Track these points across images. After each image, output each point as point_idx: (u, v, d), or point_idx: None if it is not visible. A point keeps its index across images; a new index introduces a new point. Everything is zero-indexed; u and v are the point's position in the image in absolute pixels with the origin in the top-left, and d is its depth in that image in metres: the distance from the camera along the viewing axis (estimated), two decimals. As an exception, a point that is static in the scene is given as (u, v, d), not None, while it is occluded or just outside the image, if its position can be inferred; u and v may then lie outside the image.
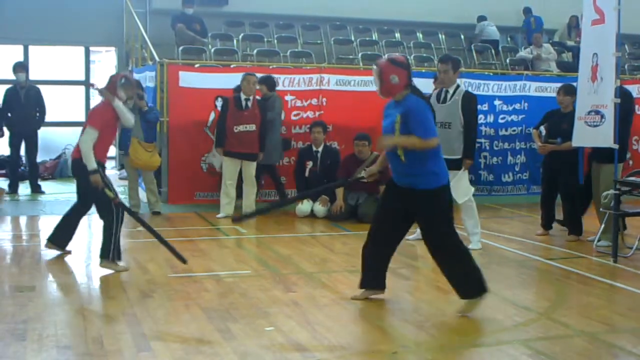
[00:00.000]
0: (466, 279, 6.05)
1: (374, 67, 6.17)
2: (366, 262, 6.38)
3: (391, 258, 6.42)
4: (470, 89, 11.91)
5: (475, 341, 5.62)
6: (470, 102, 8.70)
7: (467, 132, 8.62)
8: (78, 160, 7.57)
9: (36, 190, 13.35)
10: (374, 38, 17.07)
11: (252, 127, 10.76)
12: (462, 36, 17.70)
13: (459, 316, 6.03)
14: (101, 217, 7.74)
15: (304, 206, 11.13)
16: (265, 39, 16.08)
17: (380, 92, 6.20)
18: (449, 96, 8.65)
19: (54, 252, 8.26)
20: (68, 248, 8.29)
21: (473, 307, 6.06)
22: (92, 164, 7.40)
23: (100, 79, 20.72)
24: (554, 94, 10.26)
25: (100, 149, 7.64)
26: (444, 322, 5.96)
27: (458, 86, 8.75)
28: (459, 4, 17.41)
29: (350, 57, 16.05)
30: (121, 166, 16.53)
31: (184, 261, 7.32)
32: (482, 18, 17.62)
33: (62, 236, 8.27)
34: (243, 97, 10.83)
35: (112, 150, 16.79)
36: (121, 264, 7.64)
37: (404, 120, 5.93)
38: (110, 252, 7.56)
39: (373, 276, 6.41)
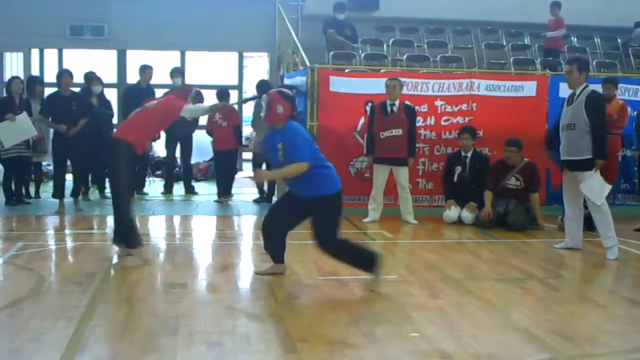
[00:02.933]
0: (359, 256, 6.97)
1: (264, 96, 6.94)
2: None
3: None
4: (627, 94, 11.50)
5: (627, 356, 5.40)
6: (594, 101, 8.48)
7: (595, 131, 8.39)
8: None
9: (190, 191, 13.79)
10: (525, 42, 16.70)
11: (399, 131, 10.74)
12: (619, 40, 17.03)
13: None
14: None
15: (452, 213, 11.02)
16: (416, 44, 16.01)
17: (266, 118, 6.90)
18: (575, 97, 8.51)
19: (203, 249, 8.50)
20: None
21: (377, 283, 6.85)
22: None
23: (251, 84, 21.27)
24: None
25: (143, 135, 8.09)
26: (594, 335, 5.76)
27: (586, 86, 8.55)
28: (615, 6, 16.77)
29: (502, 61, 15.77)
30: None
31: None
32: (638, 24, 16.90)
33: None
34: (388, 102, 10.83)
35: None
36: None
37: (285, 147, 6.75)
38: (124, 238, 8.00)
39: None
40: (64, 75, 11.60)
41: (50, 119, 11.68)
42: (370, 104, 11.42)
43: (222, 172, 13.35)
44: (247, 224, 11.13)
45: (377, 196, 11.01)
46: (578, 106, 8.45)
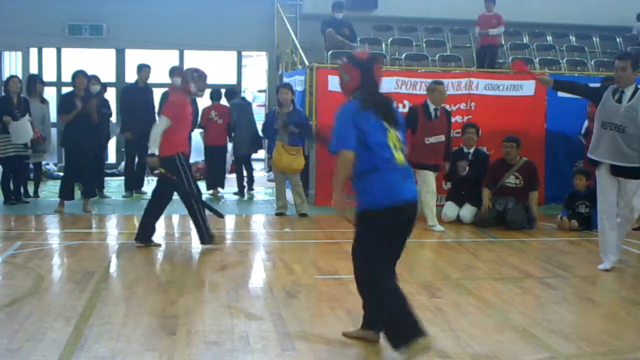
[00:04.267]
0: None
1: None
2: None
3: None
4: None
5: (625, 356, 5.40)
6: None
7: None
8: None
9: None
10: (524, 41, 16.69)
11: (442, 137, 10.54)
12: (618, 39, 17.03)
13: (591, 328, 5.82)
14: (183, 202, 8.72)
15: (450, 211, 11.02)
16: (414, 43, 16.00)
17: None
18: (625, 98, 7.71)
19: (204, 249, 8.51)
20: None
21: None
22: (153, 149, 8.41)
23: (250, 83, 21.27)
24: None
25: (178, 139, 8.52)
26: (592, 334, 5.76)
27: (638, 88, 7.75)
28: (614, 6, 16.77)
29: (500, 61, 15.75)
30: (269, 168, 16.86)
31: (220, 215, 8.92)
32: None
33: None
34: (432, 107, 10.55)
35: (262, 153, 17.18)
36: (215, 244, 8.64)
37: None
38: (204, 235, 8.57)
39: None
40: (77, 75, 11.59)
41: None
42: (410, 107, 11.08)
43: (213, 166, 13.86)
44: (245, 223, 11.13)
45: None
46: (631, 109, 7.64)
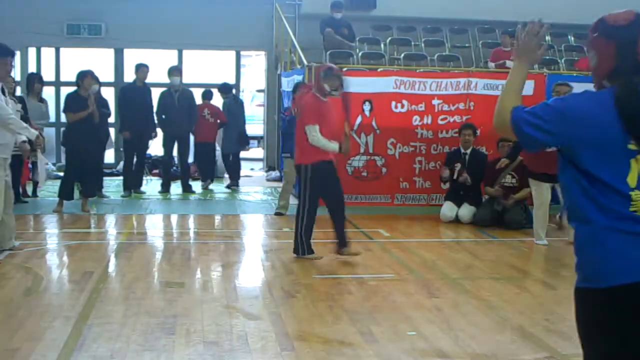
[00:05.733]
0: None
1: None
2: None
3: None
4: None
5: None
6: None
7: None
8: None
9: (187, 189, 13.78)
10: (523, 41, 16.67)
11: None
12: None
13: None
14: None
15: (449, 211, 11.02)
16: (413, 43, 15.99)
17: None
18: None
19: (202, 248, 8.52)
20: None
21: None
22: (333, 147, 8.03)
23: (249, 83, 21.27)
24: None
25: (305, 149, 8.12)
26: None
27: None
28: (615, 5, 16.73)
29: (500, 61, 15.74)
30: (269, 167, 16.88)
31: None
32: None
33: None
34: None
35: (260, 153, 17.18)
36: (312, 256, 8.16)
37: None
38: (298, 247, 8.15)
39: None
40: (86, 76, 11.56)
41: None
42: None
43: (202, 161, 14.67)
44: (245, 222, 11.12)
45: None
46: None
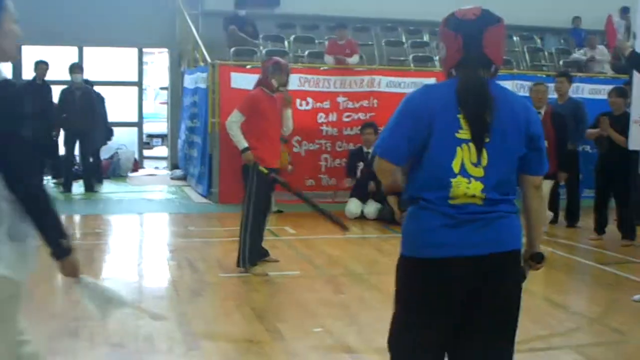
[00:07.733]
0: None
1: None
2: None
3: None
4: (522, 91, 11.73)
5: (525, 346, 5.54)
6: None
7: None
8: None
9: (90, 189, 13.53)
10: (425, 39, 16.95)
11: (545, 143, 9.96)
12: (515, 38, 17.40)
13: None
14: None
15: (354, 208, 11.11)
16: (317, 41, 16.06)
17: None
18: None
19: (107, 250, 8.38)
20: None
21: None
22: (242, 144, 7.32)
23: (152, 80, 20.98)
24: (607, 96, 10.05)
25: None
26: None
27: None
28: (514, 8, 17.06)
29: (402, 58, 15.97)
30: (173, 166, 16.70)
31: (345, 228, 7.04)
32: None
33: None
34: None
35: (164, 151, 16.94)
36: (257, 269, 7.36)
37: None
38: (242, 258, 7.29)
39: None
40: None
41: None
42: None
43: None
44: (149, 222, 10.99)
45: None
46: None
